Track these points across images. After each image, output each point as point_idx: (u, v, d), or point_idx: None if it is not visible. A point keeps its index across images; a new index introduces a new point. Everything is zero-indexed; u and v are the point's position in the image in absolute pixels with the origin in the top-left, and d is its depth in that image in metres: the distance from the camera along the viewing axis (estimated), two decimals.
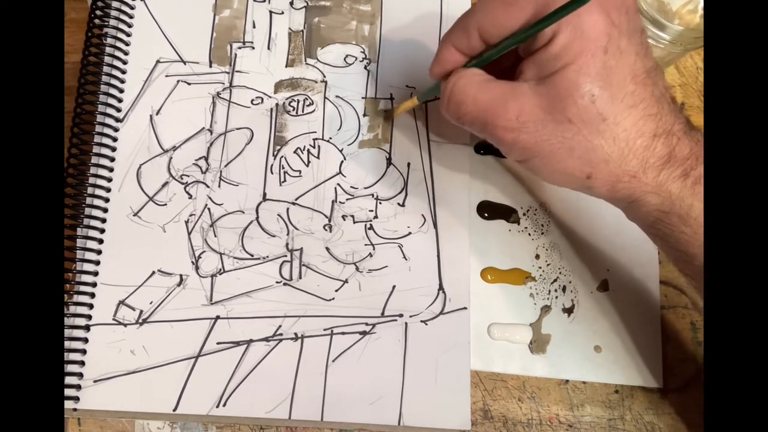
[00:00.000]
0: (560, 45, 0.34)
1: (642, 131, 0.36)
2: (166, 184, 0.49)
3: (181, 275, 0.47)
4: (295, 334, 0.47)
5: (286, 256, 0.48)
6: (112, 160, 0.49)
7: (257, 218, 0.49)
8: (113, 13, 0.51)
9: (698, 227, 0.36)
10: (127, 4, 0.52)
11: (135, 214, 0.48)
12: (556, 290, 0.50)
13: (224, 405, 0.45)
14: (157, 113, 0.50)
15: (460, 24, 0.39)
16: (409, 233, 0.49)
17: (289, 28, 0.54)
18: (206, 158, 0.50)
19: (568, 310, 0.49)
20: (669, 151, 0.36)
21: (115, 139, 0.49)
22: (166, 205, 0.49)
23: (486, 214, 0.51)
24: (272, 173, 0.50)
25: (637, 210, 0.38)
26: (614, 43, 0.34)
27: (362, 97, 0.52)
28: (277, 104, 0.52)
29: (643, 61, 0.36)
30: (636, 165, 0.36)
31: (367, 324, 0.47)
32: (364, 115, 0.52)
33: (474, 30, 0.38)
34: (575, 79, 0.34)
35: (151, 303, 0.47)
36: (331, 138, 0.51)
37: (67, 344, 0.45)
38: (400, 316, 0.47)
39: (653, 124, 0.36)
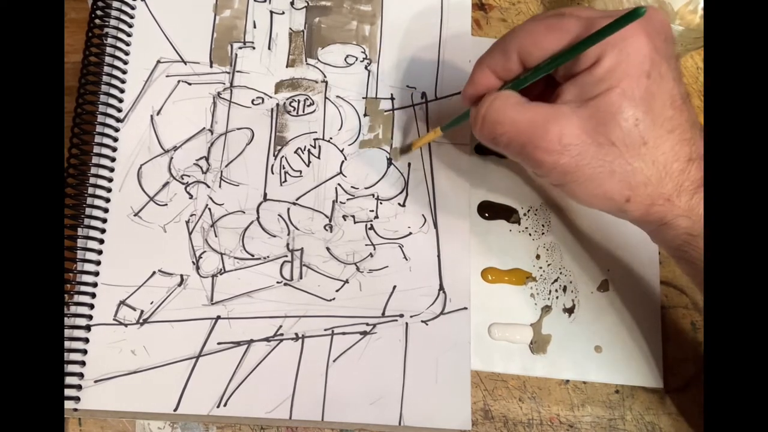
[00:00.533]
0: (606, 67, 0.35)
1: (678, 155, 0.36)
2: (166, 184, 0.49)
3: (181, 275, 0.47)
4: (296, 334, 0.47)
5: (286, 256, 0.48)
6: (113, 160, 0.49)
7: (258, 218, 0.49)
8: (114, 13, 0.51)
9: None
10: (127, 4, 0.52)
11: (136, 214, 0.48)
12: (556, 290, 0.50)
13: (225, 405, 0.45)
14: (158, 113, 0.50)
15: (498, 46, 0.39)
16: (410, 233, 0.49)
17: (290, 28, 0.54)
18: (207, 158, 0.50)
19: (569, 310, 0.49)
20: (702, 176, 0.37)
21: (115, 139, 0.49)
22: (166, 205, 0.49)
23: (486, 214, 0.51)
24: (273, 173, 0.50)
25: (665, 233, 0.39)
26: (656, 68, 0.35)
27: (363, 97, 0.52)
28: (277, 104, 0.52)
29: (679, 87, 0.36)
30: (671, 188, 0.37)
31: (367, 324, 0.47)
32: (365, 115, 0.52)
33: (514, 52, 0.38)
34: (620, 103, 0.35)
35: (151, 303, 0.47)
36: (331, 138, 0.51)
37: (67, 344, 0.45)
38: (401, 316, 0.47)
39: (688, 148, 0.36)
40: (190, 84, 0.51)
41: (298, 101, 0.52)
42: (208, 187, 0.49)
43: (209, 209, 0.49)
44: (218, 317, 0.47)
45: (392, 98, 0.52)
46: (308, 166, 0.50)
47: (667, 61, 0.36)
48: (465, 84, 0.41)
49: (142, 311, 0.46)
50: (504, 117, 0.38)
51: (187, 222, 0.48)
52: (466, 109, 0.42)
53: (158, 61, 0.52)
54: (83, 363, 0.45)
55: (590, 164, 0.36)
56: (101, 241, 0.47)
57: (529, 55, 0.38)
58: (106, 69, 0.50)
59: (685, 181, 0.36)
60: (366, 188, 0.50)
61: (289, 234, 0.49)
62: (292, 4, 0.54)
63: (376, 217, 0.49)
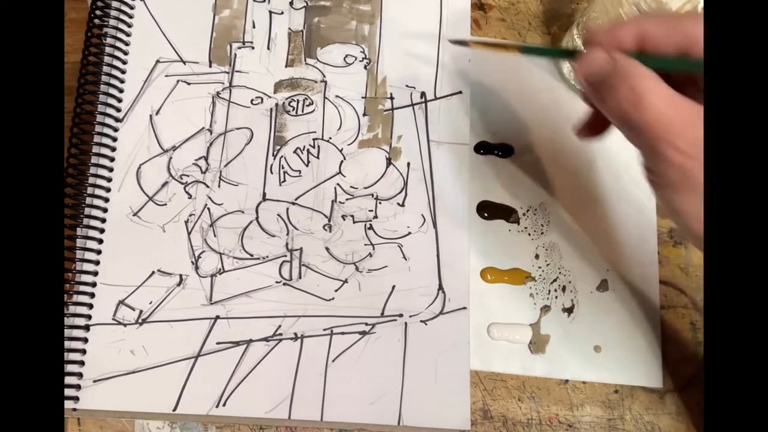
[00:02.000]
0: None
1: None
2: (165, 184, 0.49)
3: (180, 275, 0.47)
4: (295, 334, 0.47)
5: (285, 256, 0.48)
6: (112, 160, 0.49)
7: (257, 218, 0.49)
8: (113, 13, 0.51)
9: None
10: (126, 4, 0.52)
11: (135, 214, 0.48)
12: (555, 290, 0.50)
13: (224, 405, 0.45)
14: (157, 113, 0.50)
15: (630, 21, 0.35)
16: (409, 233, 0.49)
17: (289, 28, 0.54)
18: (206, 158, 0.50)
19: (568, 310, 0.49)
20: None
21: (114, 139, 0.49)
22: (165, 205, 0.49)
23: (486, 214, 0.51)
24: (272, 173, 0.50)
25: None
26: None
27: (362, 97, 0.52)
28: (276, 104, 0.52)
29: None
30: None
31: (366, 324, 0.47)
32: (364, 114, 0.52)
33: (640, 30, 0.34)
34: None
35: (150, 303, 0.47)
36: (330, 138, 0.51)
37: (66, 344, 0.45)
38: (400, 316, 0.47)
39: None
40: (189, 84, 0.51)
41: (298, 101, 0.52)
42: (207, 186, 0.49)
43: (208, 209, 0.49)
44: (217, 317, 0.47)
45: (391, 98, 0.52)
46: (307, 165, 0.50)
47: None
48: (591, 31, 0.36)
49: (141, 311, 0.46)
50: (646, 89, 0.33)
51: (186, 222, 0.48)
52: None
53: (157, 61, 0.52)
54: (82, 363, 0.45)
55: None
56: (100, 241, 0.47)
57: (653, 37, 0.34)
58: (106, 69, 0.50)
59: None
60: (365, 188, 0.50)
61: (288, 234, 0.49)
62: (291, 4, 0.54)
63: (376, 216, 0.49)
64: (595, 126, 0.41)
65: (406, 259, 0.49)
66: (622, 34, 0.34)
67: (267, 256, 0.48)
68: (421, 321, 0.47)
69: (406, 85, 0.53)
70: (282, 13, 0.54)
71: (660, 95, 0.33)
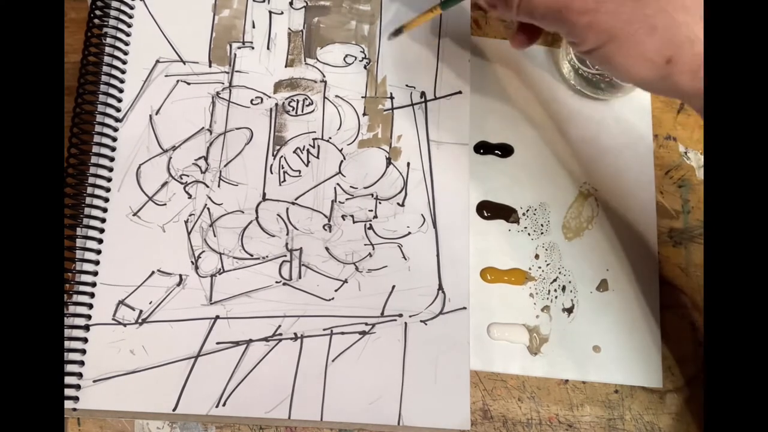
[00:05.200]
0: None
1: None
2: (165, 183, 0.49)
3: (180, 275, 0.47)
4: (295, 334, 0.47)
5: (285, 255, 0.48)
6: (112, 159, 0.49)
7: (257, 218, 0.49)
8: (113, 13, 0.51)
9: None
10: (126, 4, 0.52)
11: (134, 214, 0.48)
12: (555, 290, 0.50)
13: (224, 405, 0.45)
14: (157, 113, 0.50)
15: None
16: (409, 233, 0.49)
17: (289, 28, 0.53)
18: (206, 158, 0.50)
19: (568, 310, 0.49)
20: None
21: (114, 139, 0.49)
22: (165, 204, 0.49)
23: (486, 214, 0.51)
24: (272, 173, 0.50)
25: None
26: None
27: (362, 97, 0.52)
28: (276, 104, 0.52)
29: None
30: None
31: (366, 324, 0.47)
32: (364, 114, 0.52)
33: None
34: None
35: (150, 303, 0.47)
36: (330, 138, 0.51)
37: (66, 344, 0.45)
38: (400, 316, 0.47)
39: None
40: (189, 84, 0.51)
41: (297, 101, 0.52)
42: (207, 186, 0.49)
43: (208, 209, 0.49)
44: (217, 317, 0.47)
45: (391, 97, 0.52)
46: (307, 165, 0.50)
47: None
48: None
49: (141, 311, 0.46)
50: None
51: (186, 222, 0.48)
52: None
53: (157, 61, 0.52)
54: (82, 363, 0.45)
55: (628, 20, 0.34)
56: (100, 241, 0.47)
57: None
58: (105, 69, 0.50)
59: None
60: (365, 188, 0.50)
61: (288, 234, 0.49)
62: (291, 4, 0.54)
63: (375, 216, 0.49)
64: (523, 35, 0.44)
65: (406, 259, 0.49)
66: None
67: (267, 256, 0.48)
68: (421, 321, 0.47)
69: (406, 85, 0.53)
70: (282, 13, 0.54)
71: None
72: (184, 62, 0.52)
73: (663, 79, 0.35)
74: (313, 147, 0.51)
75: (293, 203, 0.49)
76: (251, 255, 0.48)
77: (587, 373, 0.48)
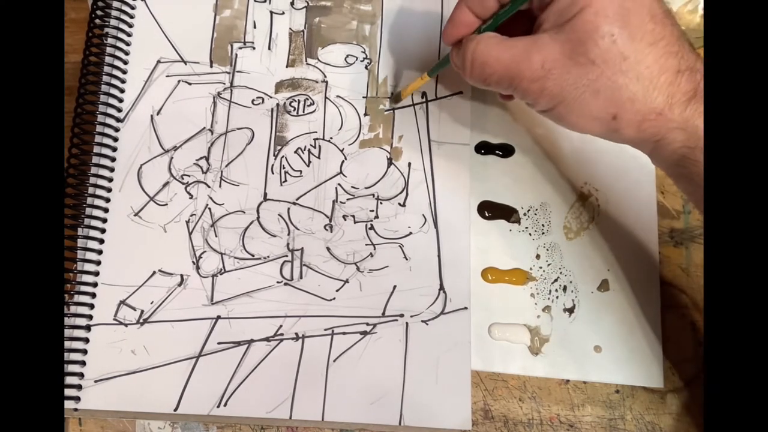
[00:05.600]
0: None
1: (665, 68, 0.36)
2: (166, 184, 0.49)
3: (181, 275, 0.47)
4: (296, 334, 0.47)
5: (286, 256, 0.48)
6: (113, 160, 0.49)
7: (258, 218, 0.49)
8: (114, 13, 0.52)
9: None
10: (127, 4, 0.52)
11: (136, 214, 0.48)
12: (556, 290, 0.50)
13: (225, 405, 0.45)
14: (158, 113, 0.51)
15: None
16: (410, 233, 0.49)
17: (290, 28, 0.54)
18: (207, 158, 0.50)
19: (569, 310, 0.49)
20: (694, 87, 0.36)
21: (115, 139, 0.49)
22: (166, 205, 0.49)
23: (486, 214, 0.51)
24: (273, 173, 0.50)
25: (663, 149, 0.38)
26: None
27: (363, 97, 0.52)
28: (277, 104, 0.52)
29: (659, 3, 0.37)
30: (662, 101, 0.36)
31: (367, 324, 0.47)
32: (365, 114, 0.52)
33: None
34: (594, 21, 0.36)
35: (151, 303, 0.47)
36: (331, 138, 0.51)
37: (67, 344, 0.45)
38: (401, 316, 0.47)
39: (675, 60, 0.36)
40: (190, 84, 0.51)
41: (298, 101, 0.52)
42: (209, 186, 0.49)
43: (209, 209, 0.49)
44: (218, 317, 0.47)
45: (392, 97, 0.52)
46: (308, 165, 0.50)
47: None
48: (446, 25, 0.43)
49: (142, 311, 0.46)
50: (489, 57, 0.39)
51: (187, 222, 0.48)
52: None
53: (158, 61, 0.52)
54: (83, 363, 0.45)
55: (574, 85, 0.37)
56: (101, 241, 0.47)
57: None
58: (106, 69, 0.50)
59: (676, 93, 0.36)
60: (366, 188, 0.50)
61: (289, 234, 0.49)
62: (292, 4, 0.54)
63: (377, 216, 0.49)
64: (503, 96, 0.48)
65: (407, 259, 0.49)
66: (480, 1, 0.41)
67: (268, 256, 0.48)
68: (422, 321, 0.47)
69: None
70: (283, 13, 0.54)
71: (496, 50, 0.39)
72: (185, 62, 0.52)
73: (612, 132, 0.39)
74: (315, 147, 0.51)
75: (294, 203, 0.49)
76: (252, 255, 0.48)
77: (588, 373, 0.48)
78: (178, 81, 0.51)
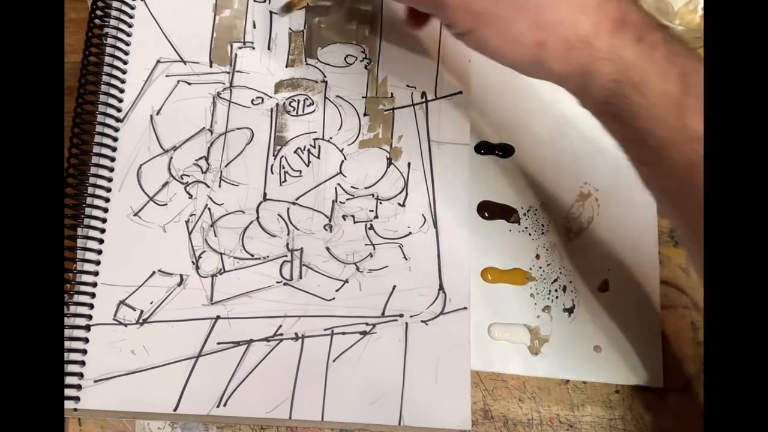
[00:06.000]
0: None
1: None
2: (166, 184, 0.49)
3: (181, 275, 0.47)
4: (296, 334, 0.47)
5: (286, 256, 0.48)
6: (113, 160, 0.49)
7: (257, 218, 0.49)
8: (113, 13, 0.51)
9: (654, 98, 0.34)
10: (127, 4, 0.52)
11: (135, 214, 0.48)
12: (556, 290, 0.50)
13: (225, 405, 0.45)
14: (158, 113, 0.51)
15: None
16: (410, 233, 0.49)
17: (290, 28, 0.53)
18: (206, 158, 0.50)
19: (569, 310, 0.49)
20: (621, 15, 0.35)
21: (115, 139, 0.49)
22: (166, 205, 0.49)
23: (486, 214, 0.51)
24: (272, 173, 0.50)
25: (590, 85, 0.36)
26: None
27: (363, 97, 0.52)
28: (277, 104, 0.52)
29: None
30: (589, 27, 0.35)
31: (367, 324, 0.47)
32: (365, 114, 0.52)
33: None
34: None
35: (151, 303, 0.47)
36: (331, 138, 0.51)
37: (67, 344, 0.45)
38: (401, 316, 0.47)
39: None
40: (189, 84, 0.51)
41: (298, 101, 0.52)
42: (208, 186, 0.49)
43: (209, 209, 0.49)
44: (218, 317, 0.47)
45: (392, 97, 0.52)
46: (308, 165, 0.50)
47: None
48: None
49: (141, 311, 0.46)
50: None
51: (187, 222, 0.48)
52: None
53: (158, 61, 0.52)
54: (83, 363, 0.45)
55: (500, 2, 0.36)
56: (101, 241, 0.47)
57: None
58: (106, 69, 0.50)
59: (603, 19, 0.35)
60: (366, 188, 0.50)
61: (288, 234, 0.49)
62: None
63: (376, 216, 0.49)
64: (412, 18, 0.47)
65: (406, 259, 0.49)
66: None
67: (267, 256, 0.48)
68: (422, 321, 0.47)
69: (407, 85, 0.53)
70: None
71: None
72: (184, 62, 0.52)
73: (537, 63, 0.37)
74: (314, 147, 0.51)
75: (294, 203, 0.49)
76: (252, 255, 0.48)
77: (588, 373, 0.48)
78: (178, 81, 0.51)
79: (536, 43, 0.36)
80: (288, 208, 0.49)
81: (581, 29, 0.35)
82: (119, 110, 0.50)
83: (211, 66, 0.52)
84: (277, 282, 0.48)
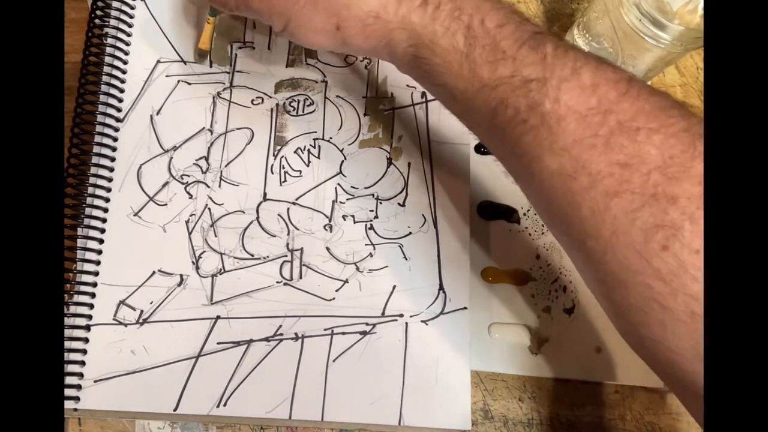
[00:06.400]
0: None
1: None
2: (166, 184, 0.49)
3: (181, 275, 0.47)
4: (296, 334, 0.47)
5: (286, 256, 0.48)
6: (113, 160, 0.49)
7: (258, 218, 0.49)
8: (113, 13, 0.51)
9: (445, 54, 0.36)
10: (127, 4, 0.52)
11: (135, 214, 0.48)
12: (556, 290, 0.50)
13: (225, 405, 0.45)
14: (158, 113, 0.51)
15: None
16: (410, 233, 0.49)
17: None
18: (207, 158, 0.50)
19: (569, 310, 0.49)
20: None
21: (115, 139, 0.49)
22: (166, 205, 0.49)
23: (486, 214, 0.51)
24: (273, 173, 0.50)
25: (395, 53, 0.39)
26: None
27: (363, 97, 0.52)
28: (277, 104, 0.52)
29: None
30: (375, 2, 0.37)
31: (367, 324, 0.47)
32: (365, 114, 0.52)
33: None
34: None
35: (151, 303, 0.47)
36: (331, 138, 0.51)
37: (67, 344, 0.45)
38: (401, 316, 0.47)
39: None
40: (189, 84, 0.51)
41: (298, 101, 0.52)
42: (208, 186, 0.49)
43: (209, 209, 0.49)
44: (218, 317, 0.47)
45: (392, 97, 0.52)
46: (308, 165, 0.50)
47: None
48: None
49: (141, 311, 0.46)
50: None
51: (187, 222, 0.48)
52: None
53: (158, 61, 0.52)
54: (83, 363, 0.45)
55: (297, 1, 0.38)
56: (101, 241, 0.47)
57: None
58: (106, 69, 0.50)
59: None
60: (366, 188, 0.50)
61: (288, 234, 0.49)
62: None
63: (376, 216, 0.49)
64: None
65: (406, 259, 0.49)
66: None
67: (268, 256, 0.48)
68: (422, 321, 0.47)
69: (407, 85, 0.53)
70: None
71: None
72: (185, 62, 0.52)
73: (343, 44, 0.40)
74: (314, 147, 0.51)
75: (294, 203, 0.49)
76: (252, 255, 0.48)
77: (588, 373, 0.48)
78: (178, 81, 0.51)
79: (336, 28, 0.38)
80: (288, 208, 0.49)
81: (369, 6, 0.37)
82: (119, 110, 0.50)
83: (211, 66, 0.52)
84: (277, 282, 0.48)
